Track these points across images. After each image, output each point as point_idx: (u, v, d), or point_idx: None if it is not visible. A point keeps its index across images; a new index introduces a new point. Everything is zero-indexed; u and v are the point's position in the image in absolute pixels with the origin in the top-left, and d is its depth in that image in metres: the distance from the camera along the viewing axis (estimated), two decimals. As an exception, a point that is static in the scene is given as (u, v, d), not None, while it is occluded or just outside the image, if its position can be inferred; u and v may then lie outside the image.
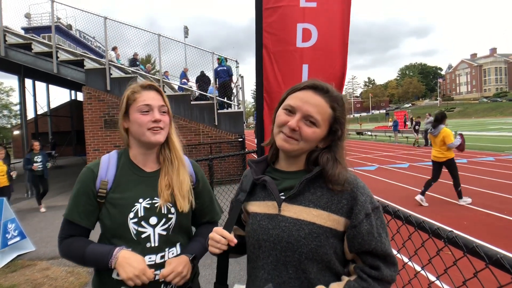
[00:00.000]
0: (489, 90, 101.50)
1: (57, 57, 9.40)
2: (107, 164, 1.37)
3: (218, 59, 11.49)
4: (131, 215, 1.30)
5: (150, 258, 1.30)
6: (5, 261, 4.78)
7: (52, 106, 23.17)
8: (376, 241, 1.01)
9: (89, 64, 9.74)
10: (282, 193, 1.10)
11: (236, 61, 11.65)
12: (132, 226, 1.30)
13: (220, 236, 1.09)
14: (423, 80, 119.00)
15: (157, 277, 1.27)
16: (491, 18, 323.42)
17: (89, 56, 10.51)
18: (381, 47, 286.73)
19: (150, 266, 1.29)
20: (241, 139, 10.30)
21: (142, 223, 1.31)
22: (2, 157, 7.39)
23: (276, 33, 2.61)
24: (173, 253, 1.36)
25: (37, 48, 9.50)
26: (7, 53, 9.34)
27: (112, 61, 10.19)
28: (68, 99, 24.33)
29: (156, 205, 1.34)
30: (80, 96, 24.10)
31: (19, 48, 9.47)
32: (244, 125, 11.09)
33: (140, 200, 1.33)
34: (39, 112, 18.50)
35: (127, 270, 1.20)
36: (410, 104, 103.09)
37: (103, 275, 1.32)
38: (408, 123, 39.95)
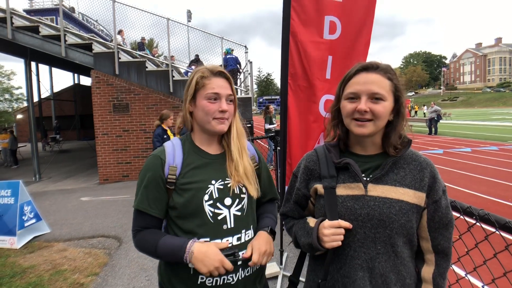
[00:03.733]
0: (493, 80, 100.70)
1: (65, 41, 9.36)
2: (172, 150, 1.35)
3: (225, 52, 11.49)
4: (206, 197, 1.29)
5: (227, 240, 1.30)
6: (22, 243, 4.89)
7: (55, 90, 23.16)
8: (451, 214, 1.15)
9: (97, 48, 9.67)
10: (363, 175, 1.16)
11: (245, 46, 11.57)
12: (208, 209, 1.28)
13: (335, 229, 1.11)
14: (427, 68, 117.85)
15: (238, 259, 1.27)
16: (498, 7, 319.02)
17: (98, 39, 10.44)
18: (388, 34, 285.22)
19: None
20: (250, 125, 10.31)
21: (218, 204, 1.30)
22: (170, 124, 6.23)
23: (304, 23, 2.67)
24: (248, 236, 1.36)
25: (44, 31, 9.42)
26: (15, 36, 9.28)
27: (120, 45, 10.14)
28: (71, 83, 24.28)
29: (228, 185, 1.33)
30: (83, 80, 24.07)
31: (26, 31, 9.40)
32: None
33: (213, 182, 1.32)
34: (42, 96, 18.47)
35: (206, 264, 1.19)
36: (413, 93, 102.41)
37: (177, 266, 1.31)
38: (412, 111, 39.91)
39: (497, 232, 1.28)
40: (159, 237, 1.28)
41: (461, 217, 1.46)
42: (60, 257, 4.39)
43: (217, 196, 1.30)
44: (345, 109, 1.17)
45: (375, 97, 1.11)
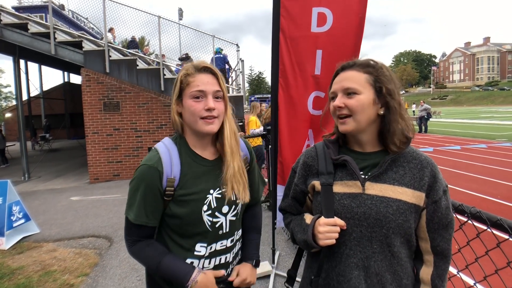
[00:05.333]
0: (481, 78, 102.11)
1: (55, 38, 9.22)
2: (169, 159, 1.28)
3: (215, 52, 11.52)
4: (205, 207, 1.28)
5: (222, 243, 1.34)
6: (11, 243, 4.81)
7: (45, 88, 22.83)
8: (452, 215, 1.13)
9: (87, 46, 9.54)
10: (361, 173, 1.15)
11: (236, 44, 11.53)
12: (206, 218, 1.29)
13: (330, 227, 1.10)
14: (417, 67, 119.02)
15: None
16: (486, 6, 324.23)
17: (88, 37, 10.29)
18: (380, 33, 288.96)
19: (222, 250, 1.35)
20: (241, 123, 10.27)
21: (216, 213, 1.31)
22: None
23: (293, 18, 2.62)
24: (239, 235, 1.44)
25: (33, 28, 9.27)
26: (3, 33, 9.12)
27: (110, 43, 10.02)
28: (60, 81, 23.93)
29: (225, 193, 1.32)
30: (73, 78, 23.76)
31: (15, 28, 9.24)
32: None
33: (211, 191, 1.31)
34: (32, 94, 18.19)
35: None
36: (403, 91, 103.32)
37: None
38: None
39: (488, 229, 1.29)
40: (162, 256, 1.28)
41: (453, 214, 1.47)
42: (50, 258, 4.34)
43: (215, 205, 1.31)
44: (330, 110, 1.22)
45: (347, 92, 1.14)
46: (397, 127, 1.13)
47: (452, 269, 1.96)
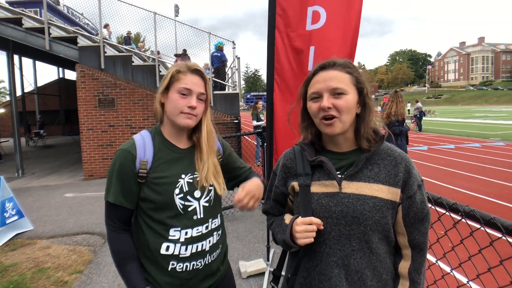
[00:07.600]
0: (476, 78, 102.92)
1: (49, 33, 9.13)
2: (143, 144, 1.38)
3: (215, 46, 11.45)
4: (177, 191, 1.35)
5: (197, 229, 1.38)
6: (3, 240, 4.76)
7: (39, 84, 22.65)
8: (427, 209, 1.14)
9: (82, 42, 9.45)
10: (338, 172, 1.17)
11: (233, 42, 11.50)
12: (178, 201, 1.35)
13: (307, 226, 1.12)
14: (413, 66, 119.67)
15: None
16: (482, 6, 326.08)
17: (83, 33, 10.21)
18: (377, 31, 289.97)
19: (198, 237, 1.38)
20: (237, 121, 10.26)
21: (188, 197, 1.37)
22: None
23: (288, 16, 2.63)
24: (215, 224, 1.46)
25: (27, 23, 9.16)
26: (-4, 28, 9.03)
27: (106, 39, 9.95)
28: (55, 77, 23.77)
29: (197, 179, 1.40)
30: (68, 74, 23.60)
31: (9, 22, 9.11)
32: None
33: (183, 176, 1.38)
34: (26, 90, 18.04)
35: None
36: (399, 90, 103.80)
37: (149, 251, 1.38)
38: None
39: (482, 228, 1.30)
40: (130, 260, 1.36)
41: (447, 213, 1.47)
42: (43, 255, 4.30)
43: (187, 189, 1.37)
44: (311, 110, 1.19)
45: (336, 92, 1.12)
46: (371, 125, 1.17)
47: (446, 267, 1.98)
